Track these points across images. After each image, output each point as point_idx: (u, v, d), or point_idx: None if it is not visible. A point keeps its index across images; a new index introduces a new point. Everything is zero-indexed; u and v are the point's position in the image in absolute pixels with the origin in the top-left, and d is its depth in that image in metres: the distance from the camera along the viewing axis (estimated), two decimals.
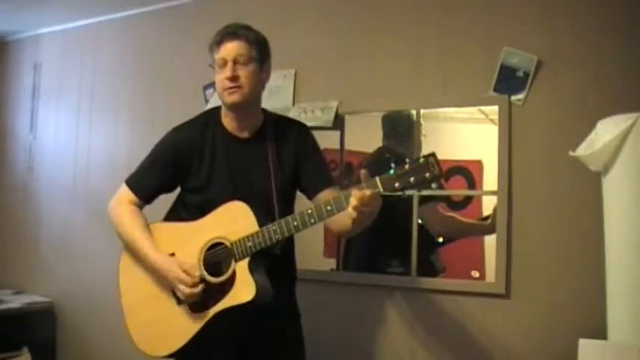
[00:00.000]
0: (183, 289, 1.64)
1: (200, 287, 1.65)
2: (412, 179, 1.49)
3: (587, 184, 1.83)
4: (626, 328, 1.51)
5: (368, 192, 1.48)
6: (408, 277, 2.32)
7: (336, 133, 2.51)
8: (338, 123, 2.51)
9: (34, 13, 3.36)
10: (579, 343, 1.51)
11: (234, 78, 1.70)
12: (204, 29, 2.99)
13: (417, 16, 2.40)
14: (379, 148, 2.49)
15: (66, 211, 3.42)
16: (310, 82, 2.62)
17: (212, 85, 2.87)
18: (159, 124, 3.08)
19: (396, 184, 1.49)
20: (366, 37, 2.51)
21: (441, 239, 2.40)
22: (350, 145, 2.53)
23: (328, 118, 2.50)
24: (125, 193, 1.83)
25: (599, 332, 1.59)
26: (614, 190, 1.57)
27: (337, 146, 2.52)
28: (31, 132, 3.64)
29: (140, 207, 1.83)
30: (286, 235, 1.61)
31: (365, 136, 2.53)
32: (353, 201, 1.48)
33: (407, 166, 1.49)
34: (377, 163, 2.46)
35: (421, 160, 1.49)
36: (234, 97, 1.71)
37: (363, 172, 1.53)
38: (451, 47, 2.31)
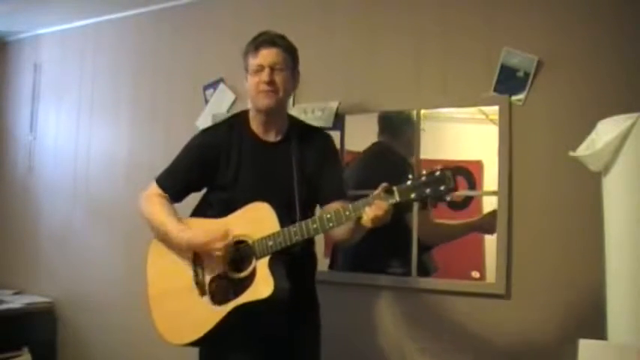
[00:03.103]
0: (217, 245, 1.70)
1: (231, 237, 1.71)
2: (428, 190, 1.57)
3: (587, 184, 1.82)
4: (626, 329, 1.51)
5: (385, 203, 1.58)
6: (408, 278, 2.32)
7: (336, 133, 2.51)
8: (338, 123, 2.51)
9: (34, 13, 3.36)
10: (579, 343, 1.51)
11: (271, 82, 1.78)
12: (204, 30, 3.02)
13: (417, 17, 2.40)
14: (374, 144, 2.50)
15: (66, 211, 3.42)
16: (310, 82, 2.61)
17: (212, 85, 2.88)
18: (159, 125, 3.10)
19: (413, 195, 1.58)
20: (366, 38, 2.51)
21: None
22: (350, 145, 2.53)
23: (328, 118, 2.50)
24: (155, 190, 1.89)
25: (599, 332, 1.59)
26: (614, 190, 1.57)
27: (337, 146, 2.51)
28: (31, 132, 3.64)
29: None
30: (305, 236, 1.68)
31: (365, 136, 2.52)
32: (370, 212, 1.58)
33: (424, 178, 1.58)
34: (370, 158, 2.47)
35: (437, 173, 1.57)
36: (269, 100, 1.79)
37: (383, 184, 1.60)
38: (451, 47, 2.32)
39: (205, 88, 2.91)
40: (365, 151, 2.52)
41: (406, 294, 2.34)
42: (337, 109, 2.51)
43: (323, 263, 2.52)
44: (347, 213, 1.63)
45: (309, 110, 2.55)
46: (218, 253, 1.72)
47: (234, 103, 2.82)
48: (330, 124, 2.48)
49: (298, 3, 2.71)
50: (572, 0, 2.12)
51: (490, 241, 2.20)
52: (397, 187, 1.59)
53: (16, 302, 3.26)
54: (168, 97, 3.07)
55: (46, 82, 3.61)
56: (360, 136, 2.53)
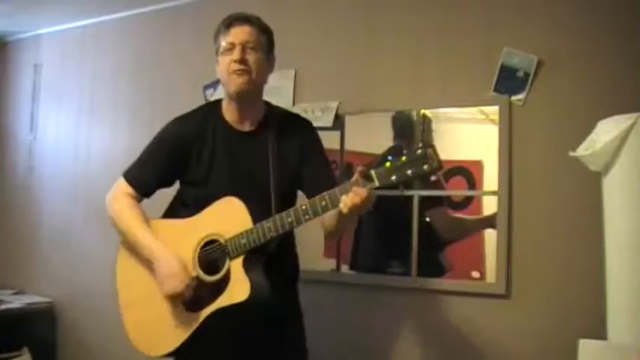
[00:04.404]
0: (175, 287, 1.59)
1: (189, 292, 1.61)
2: (409, 172, 1.40)
3: (587, 184, 1.82)
4: (626, 329, 1.51)
5: (364, 190, 1.43)
6: (408, 278, 2.32)
7: (336, 134, 2.51)
8: (338, 123, 2.51)
9: (34, 14, 3.36)
10: (579, 344, 1.51)
11: (243, 60, 1.64)
12: (204, 30, 2.99)
13: (417, 17, 2.40)
14: (390, 148, 2.47)
15: (66, 211, 3.42)
16: (310, 82, 2.62)
17: (212, 85, 2.88)
18: (159, 124, 3.08)
19: (393, 177, 1.42)
20: (366, 38, 2.51)
21: None
22: (350, 145, 2.53)
23: (328, 118, 2.50)
24: (123, 187, 1.78)
25: (599, 332, 1.59)
26: (614, 190, 1.57)
27: (337, 146, 2.52)
28: (31, 132, 3.64)
29: (138, 201, 1.79)
30: (280, 231, 1.54)
31: (365, 137, 2.53)
32: (347, 200, 1.44)
33: (404, 158, 1.41)
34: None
35: (419, 151, 1.40)
36: (241, 81, 1.64)
37: (360, 169, 1.47)
38: (451, 47, 2.31)
39: (205, 88, 2.91)
40: (384, 154, 2.47)
41: (406, 294, 2.34)
42: (337, 109, 2.51)
43: (325, 264, 2.53)
44: (323, 203, 1.48)
45: (309, 110, 2.55)
46: (167, 291, 1.61)
47: None
48: (330, 124, 2.48)
49: (298, 3, 2.71)
50: (572, 0, 2.12)
51: (490, 240, 2.20)
52: (375, 171, 1.43)
53: (16, 302, 3.27)
54: (168, 97, 3.06)
55: (46, 82, 3.61)
56: (360, 136, 2.53)
